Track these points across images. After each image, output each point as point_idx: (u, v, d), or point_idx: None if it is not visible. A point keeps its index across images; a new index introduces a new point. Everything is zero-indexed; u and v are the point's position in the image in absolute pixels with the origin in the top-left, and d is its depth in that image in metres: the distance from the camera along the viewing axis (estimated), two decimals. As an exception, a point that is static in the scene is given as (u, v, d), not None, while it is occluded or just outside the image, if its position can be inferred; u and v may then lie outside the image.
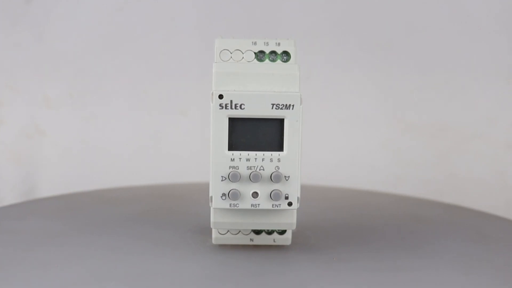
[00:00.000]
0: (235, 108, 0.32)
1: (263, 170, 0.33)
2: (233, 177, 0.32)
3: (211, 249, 0.36)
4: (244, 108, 0.32)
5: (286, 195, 0.33)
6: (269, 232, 0.36)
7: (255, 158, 0.33)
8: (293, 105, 0.32)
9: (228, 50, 0.34)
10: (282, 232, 0.36)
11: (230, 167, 0.32)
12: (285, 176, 0.33)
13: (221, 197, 0.32)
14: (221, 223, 0.34)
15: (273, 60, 0.34)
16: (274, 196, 0.33)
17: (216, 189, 0.33)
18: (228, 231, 0.36)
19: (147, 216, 0.45)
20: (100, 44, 0.75)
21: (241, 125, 0.33)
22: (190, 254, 0.35)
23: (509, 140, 0.75)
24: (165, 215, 0.45)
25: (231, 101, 0.32)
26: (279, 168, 0.33)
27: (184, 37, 0.75)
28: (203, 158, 0.76)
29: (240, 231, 0.36)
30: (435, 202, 0.56)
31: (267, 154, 0.33)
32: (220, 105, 0.32)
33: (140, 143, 0.76)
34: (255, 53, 0.34)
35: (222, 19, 0.76)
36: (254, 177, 0.32)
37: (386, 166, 0.76)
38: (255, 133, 0.33)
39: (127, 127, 0.76)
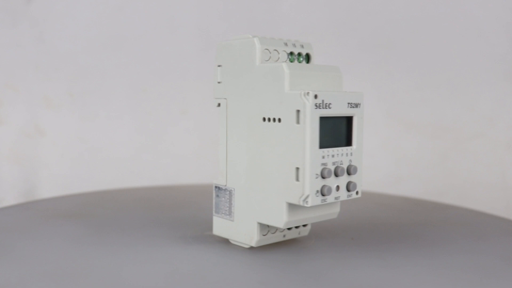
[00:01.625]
0: (325, 107, 0.33)
1: (342, 164, 0.34)
2: (328, 173, 0.33)
3: (243, 250, 0.36)
4: (331, 108, 0.33)
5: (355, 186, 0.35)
6: (297, 226, 0.37)
7: (338, 154, 0.34)
8: (359, 104, 0.35)
9: (268, 50, 0.35)
10: (305, 225, 0.38)
11: (322, 164, 0.33)
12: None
13: (315, 194, 0.33)
14: (292, 221, 0.35)
15: (300, 61, 0.36)
16: (352, 187, 0.34)
17: (312, 187, 0.33)
18: (269, 231, 0.36)
19: (147, 217, 0.45)
20: (100, 44, 0.75)
21: (329, 123, 0.34)
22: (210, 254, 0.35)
23: (509, 140, 0.75)
24: (166, 216, 0.45)
25: (323, 101, 0.33)
26: (351, 161, 0.35)
27: (184, 37, 0.75)
28: (203, 158, 0.76)
29: (277, 229, 0.36)
30: (435, 202, 0.56)
31: (344, 149, 0.34)
32: (316, 104, 0.33)
33: (140, 143, 0.76)
34: (287, 53, 0.36)
35: (222, 19, 0.76)
36: (341, 172, 0.34)
37: (386, 166, 0.76)
38: (337, 131, 0.34)
39: (127, 127, 0.76)
